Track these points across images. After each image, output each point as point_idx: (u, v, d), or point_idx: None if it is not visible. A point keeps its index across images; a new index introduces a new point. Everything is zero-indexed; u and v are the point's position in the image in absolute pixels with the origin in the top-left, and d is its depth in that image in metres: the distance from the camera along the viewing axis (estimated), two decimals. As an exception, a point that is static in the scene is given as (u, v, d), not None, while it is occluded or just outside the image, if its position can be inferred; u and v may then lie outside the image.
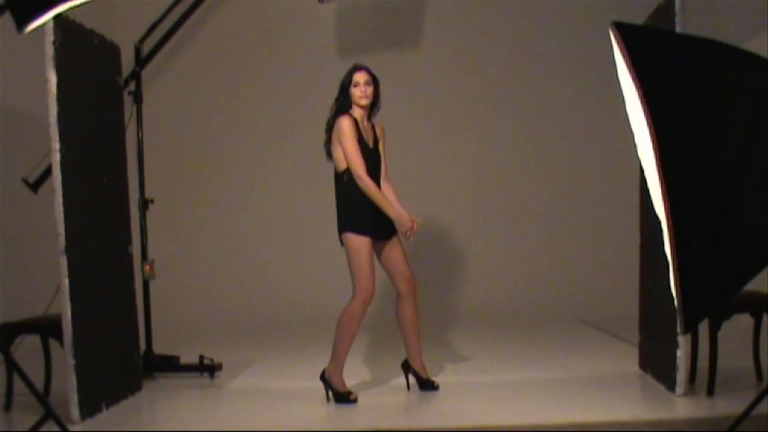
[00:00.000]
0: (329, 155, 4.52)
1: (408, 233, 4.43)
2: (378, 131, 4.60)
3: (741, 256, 2.34)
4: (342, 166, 4.45)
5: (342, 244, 4.48)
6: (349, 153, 4.39)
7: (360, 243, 4.39)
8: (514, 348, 6.01)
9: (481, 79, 8.00)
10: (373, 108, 4.57)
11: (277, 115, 7.97)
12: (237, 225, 8.00)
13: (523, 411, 4.16)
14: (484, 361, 5.50)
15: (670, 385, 4.27)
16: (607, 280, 7.47)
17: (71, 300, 4.05)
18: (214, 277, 7.87)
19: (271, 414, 4.31)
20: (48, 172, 4.55)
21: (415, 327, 4.61)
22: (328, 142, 4.52)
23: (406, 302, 4.58)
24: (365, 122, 4.54)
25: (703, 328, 4.05)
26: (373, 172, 4.49)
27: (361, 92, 4.46)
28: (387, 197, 4.48)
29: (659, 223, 2.33)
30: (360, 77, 4.48)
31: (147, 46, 5.51)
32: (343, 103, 4.50)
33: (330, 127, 4.50)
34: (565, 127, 7.99)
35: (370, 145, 4.51)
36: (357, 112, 4.50)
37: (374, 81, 4.51)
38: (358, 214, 4.42)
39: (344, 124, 4.41)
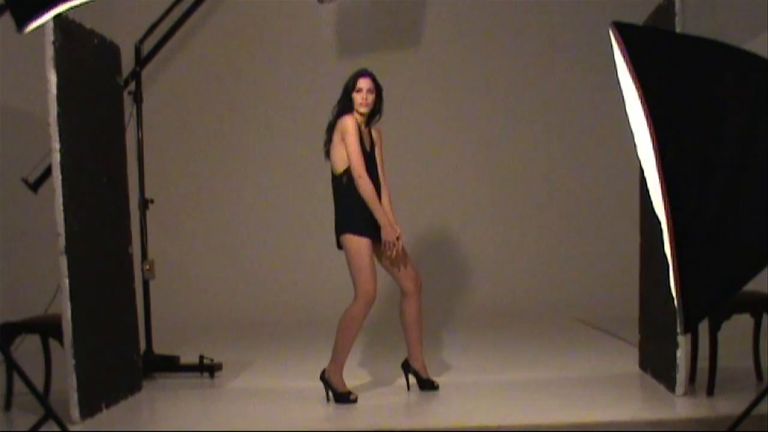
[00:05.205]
0: (327, 155, 4.51)
1: (390, 245, 4.38)
2: (375, 135, 4.59)
3: (741, 256, 2.34)
4: (340, 167, 4.44)
5: (340, 246, 4.48)
6: (351, 150, 4.37)
7: (360, 244, 4.38)
8: (514, 348, 6.00)
9: (480, 79, 7.99)
10: (374, 116, 4.56)
11: (277, 115, 7.96)
12: (237, 225, 7.99)
13: (523, 411, 4.17)
14: (484, 361, 5.50)
15: (670, 385, 4.27)
16: (607, 279, 7.46)
17: (71, 300, 4.05)
18: (214, 277, 7.86)
19: (271, 414, 4.31)
20: (48, 172, 4.55)
21: (418, 327, 4.60)
22: (328, 142, 4.51)
23: (412, 302, 4.57)
24: (363, 126, 4.53)
25: (703, 328, 4.05)
26: (370, 175, 4.48)
27: (362, 99, 4.45)
28: (381, 203, 4.44)
29: (659, 223, 2.33)
30: (364, 83, 4.46)
31: (147, 46, 5.51)
32: (345, 106, 4.49)
33: (331, 127, 4.49)
34: (565, 127, 7.98)
35: (368, 148, 4.51)
36: (357, 117, 4.49)
37: (377, 89, 4.50)
38: (358, 215, 4.41)
39: (348, 122, 4.40)
